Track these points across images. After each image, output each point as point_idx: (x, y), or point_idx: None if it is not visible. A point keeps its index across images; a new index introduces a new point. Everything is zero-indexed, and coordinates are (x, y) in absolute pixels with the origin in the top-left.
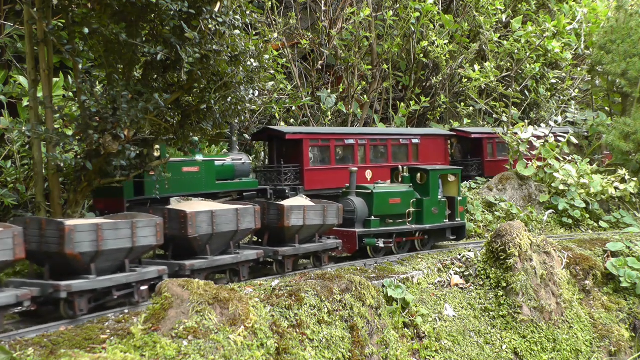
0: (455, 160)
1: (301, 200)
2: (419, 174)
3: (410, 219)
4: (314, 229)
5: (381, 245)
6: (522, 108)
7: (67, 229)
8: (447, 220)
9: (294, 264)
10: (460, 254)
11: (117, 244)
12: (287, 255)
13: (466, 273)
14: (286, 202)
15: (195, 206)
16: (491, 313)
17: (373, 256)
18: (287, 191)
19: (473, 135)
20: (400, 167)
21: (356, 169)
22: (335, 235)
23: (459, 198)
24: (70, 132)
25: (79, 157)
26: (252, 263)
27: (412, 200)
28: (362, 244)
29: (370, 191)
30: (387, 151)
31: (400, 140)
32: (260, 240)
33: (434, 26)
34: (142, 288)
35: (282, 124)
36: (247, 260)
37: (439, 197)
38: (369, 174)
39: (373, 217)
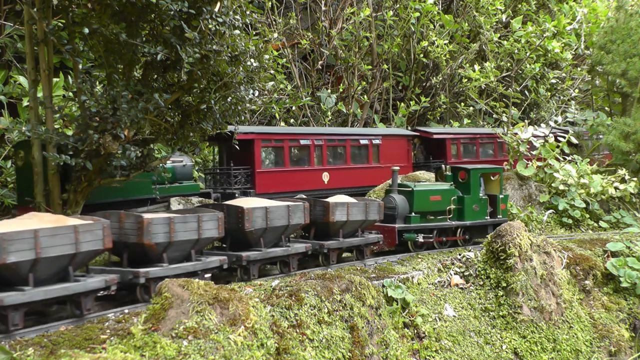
0: (418, 162)
1: (345, 198)
2: (460, 173)
3: (451, 216)
4: (356, 224)
5: (420, 240)
6: (522, 108)
7: (145, 221)
8: (489, 217)
9: (338, 256)
10: (460, 254)
11: (185, 236)
12: (332, 248)
13: (466, 273)
14: (331, 199)
15: (251, 202)
16: (491, 313)
17: (413, 250)
18: (236, 195)
19: (435, 136)
20: (443, 166)
21: (398, 168)
22: (377, 230)
23: (501, 196)
24: (70, 132)
25: (79, 157)
26: (301, 255)
27: (452, 198)
28: (402, 238)
29: (411, 189)
30: (345, 152)
31: (360, 140)
32: (307, 235)
33: (434, 26)
34: (206, 275)
35: (282, 124)
36: (296, 252)
37: (480, 194)
38: (325, 177)
39: (413, 214)
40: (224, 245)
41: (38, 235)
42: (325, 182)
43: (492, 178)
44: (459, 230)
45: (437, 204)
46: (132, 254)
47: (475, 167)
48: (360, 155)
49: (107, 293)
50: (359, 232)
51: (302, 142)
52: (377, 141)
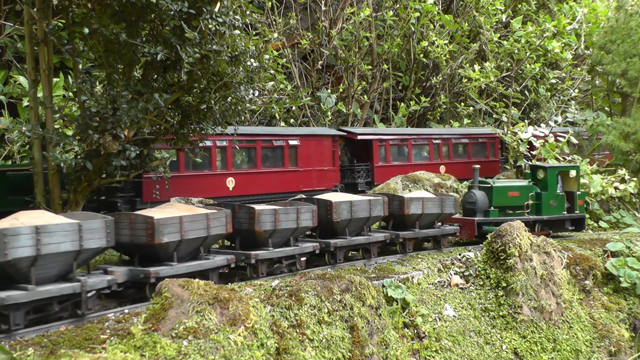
0: (342, 165)
1: (422, 193)
2: (539, 171)
3: (529, 211)
4: (432, 217)
5: None
6: (522, 108)
7: (256, 212)
8: (566, 213)
9: (414, 245)
10: (460, 254)
11: (287, 225)
12: (407, 238)
13: (466, 273)
14: (407, 194)
15: (337, 197)
16: (491, 313)
17: None
18: (118, 204)
19: (360, 137)
20: (523, 164)
21: (479, 166)
22: (458, 222)
23: (578, 192)
24: (70, 132)
25: (79, 157)
26: (380, 244)
27: (530, 194)
28: (481, 230)
29: (490, 185)
30: (255, 155)
31: (274, 141)
32: (385, 225)
33: (434, 26)
34: (302, 259)
35: (282, 124)
36: (376, 241)
37: (558, 191)
38: (230, 183)
39: (492, 208)
40: (314, 234)
41: (182, 221)
42: (230, 189)
43: (570, 176)
44: (537, 224)
45: (515, 200)
46: (243, 239)
47: (552, 165)
48: (273, 157)
49: (224, 271)
50: (436, 223)
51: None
52: (295, 142)
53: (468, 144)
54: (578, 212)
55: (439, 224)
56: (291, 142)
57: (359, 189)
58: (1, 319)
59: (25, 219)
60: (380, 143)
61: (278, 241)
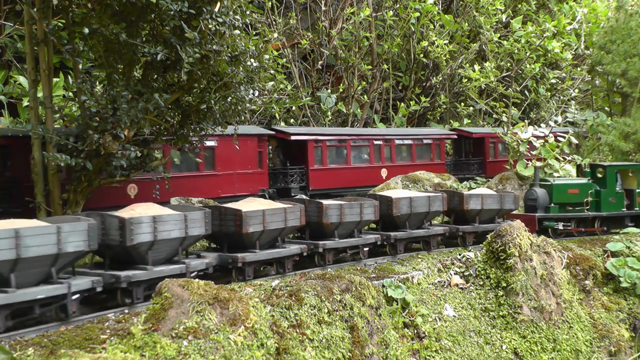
0: (274, 168)
1: (483, 190)
2: (598, 169)
3: (588, 207)
4: (492, 212)
5: (560, 227)
6: (522, 108)
7: (324, 206)
8: (625, 210)
9: (474, 238)
10: (460, 254)
11: (351, 218)
12: (467, 232)
13: (466, 273)
14: (466, 191)
15: (398, 193)
16: (491, 313)
17: (553, 237)
18: None
19: (293, 137)
20: (582, 163)
21: (540, 164)
22: (519, 218)
23: (638, 190)
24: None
25: (79, 157)
26: (440, 237)
27: (590, 191)
28: (542, 226)
29: (550, 183)
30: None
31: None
32: (448, 220)
33: (434, 26)
34: (365, 249)
35: (282, 124)
36: (436, 234)
37: (617, 189)
38: (132, 190)
39: (552, 204)
40: (377, 227)
41: (265, 214)
42: (132, 196)
43: (629, 174)
44: (597, 220)
45: (575, 197)
46: (312, 231)
47: (612, 164)
48: (186, 161)
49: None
50: (496, 219)
51: None
52: (211, 143)
53: (412, 145)
54: (638, 209)
55: (500, 219)
56: (208, 143)
57: (292, 194)
58: (126, 293)
59: (141, 210)
60: (316, 144)
61: (343, 232)
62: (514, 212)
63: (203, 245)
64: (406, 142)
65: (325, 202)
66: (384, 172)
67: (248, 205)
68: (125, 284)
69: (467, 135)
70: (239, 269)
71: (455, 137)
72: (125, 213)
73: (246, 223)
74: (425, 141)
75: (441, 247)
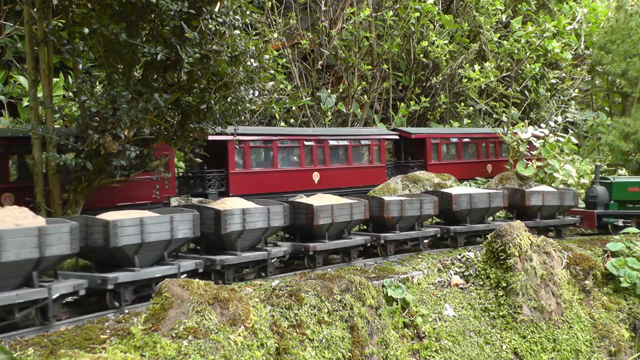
0: (192, 171)
1: (544, 187)
2: None
3: None
4: (553, 208)
5: (620, 224)
6: (522, 108)
7: (385, 202)
8: None
9: (535, 233)
10: (460, 254)
11: (412, 212)
12: (528, 227)
13: (466, 273)
14: (533, 188)
15: (458, 190)
16: (491, 313)
17: (612, 232)
18: None
19: (211, 137)
20: (636, 161)
21: (600, 164)
22: (580, 215)
23: None
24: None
25: (79, 157)
26: (431, 238)
27: None
28: (601, 222)
29: (610, 181)
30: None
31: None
32: (511, 215)
33: (434, 26)
34: (425, 241)
35: (282, 124)
36: (495, 228)
37: None
38: None
39: (612, 202)
40: (441, 221)
41: (333, 208)
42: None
43: None
44: None
45: (635, 194)
46: (375, 224)
47: None
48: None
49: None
50: (556, 215)
51: None
52: None
53: (348, 146)
54: None
55: (560, 216)
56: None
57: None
58: (220, 275)
59: (230, 203)
60: (238, 145)
61: (404, 226)
62: (576, 209)
63: (279, 236)
64: (342, 143)
65: (387, 197)
66: (315, 176)
67: (319, 200)
68: (220, 267)
69: (406, 136)
70: (310, 257)
71: (397, 137)
72: (218, 205)
73: (317, 216)
74: (363, 142)
75: None
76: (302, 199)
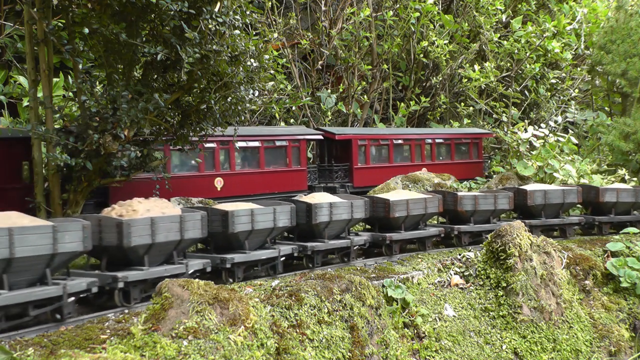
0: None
1: (618, 184)
2: None
3: None
4: (627, 205)
5: None
6: (522, 108)
7: (459, 197)
8: None
9: (610, 229)
10: (460, 254)
11: (486, 207)
12: (603, 222)
13: (466, 273)
14: (602, 185)
15: (534, 187)
16: (491, 313)
17: None
18: None
19: None
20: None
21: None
22: None
23: None
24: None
25: (79, 157)
26: (577, 226)
27: None
28: None
29: None
30: None
31: None
32: (586, 212)
33: (434, 26)
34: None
35: (282, 124)
36: (571, 223)
37: None
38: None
39: None
40: (519, 215)
41: (409, 202)
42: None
43: None
44: None
45: None
46: (450, 217)
47: None
48: None
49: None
50: (631, 211)
51: None
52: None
53: (259, 148)
54: None
55: (635, 212)
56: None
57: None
58: (309, 259)
59: (319, 197)
60: None
61: (480, 219)
62: None
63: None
64: (251, 144)
65: (460, 193)
66: (218, 182)
67: (395, 195)
68: (310, 252)
69: (330, 137)
70: (387, 246)
71: (321, 138)
72: (308, 199)
73: (393, 209)
74: (278, 143)
75: (577, 236)
76: (382, 194)
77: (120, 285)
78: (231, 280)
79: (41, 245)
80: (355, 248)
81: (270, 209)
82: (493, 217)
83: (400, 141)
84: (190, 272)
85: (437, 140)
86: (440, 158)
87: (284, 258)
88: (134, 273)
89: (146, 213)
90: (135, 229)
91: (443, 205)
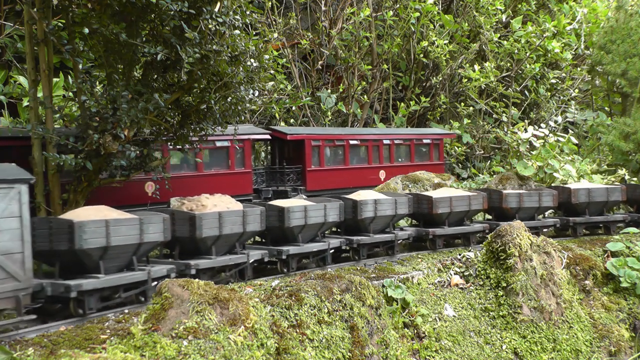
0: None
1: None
2: None
3: None
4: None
5: None
6: (522, 108)
7: (504, 195)
8: None
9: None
10: (460, 254)
11: (530, 204)
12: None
13: (466, 273)
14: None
15: (577, 185)
16: (491, 313)
17: None
18: None
19: (2, 142)
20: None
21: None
22: None
23: None
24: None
25: (79, 157)
26: (621, 222)
27: None
28: None
29: None
30: None
31: None
32: (631, 210)
33: (434, 26)
34: (544, 230)
35: (282, 124)
36: (615, 220)
37: None
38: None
39: None
40: (564, 213)
41: (452, 200)
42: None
43: None
44: None
45: None
46: (495, 214)
47: None
48: None
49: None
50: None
51: None
52: None
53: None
54: None
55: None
56: None
57: None
58: (355, 252)
59: (365, 194)
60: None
61: (525, 216)
62: None
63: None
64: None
65: (505, 191)
66: (149, 187)
67: (439, 192)
68: (356, 245)
69: (281, 137)
70: (431, 240)
71: (269, 138)
72: (354, 196)
73: (436, 206)
74: (219, 144)
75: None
76: (426, 191)
77: (193, 272)
78: (285, 270)
79: (131, 235)
80: (399, 242)
81: (322, 205)
82: (537, 214)
83: (356, 142)
84: (251, 262)
85: (395, 141)
86: (400, 160)
87: (332, 250)
88: (204, 261)
89: (214, 208)
90: (206, 222)
91: (488, 202)
